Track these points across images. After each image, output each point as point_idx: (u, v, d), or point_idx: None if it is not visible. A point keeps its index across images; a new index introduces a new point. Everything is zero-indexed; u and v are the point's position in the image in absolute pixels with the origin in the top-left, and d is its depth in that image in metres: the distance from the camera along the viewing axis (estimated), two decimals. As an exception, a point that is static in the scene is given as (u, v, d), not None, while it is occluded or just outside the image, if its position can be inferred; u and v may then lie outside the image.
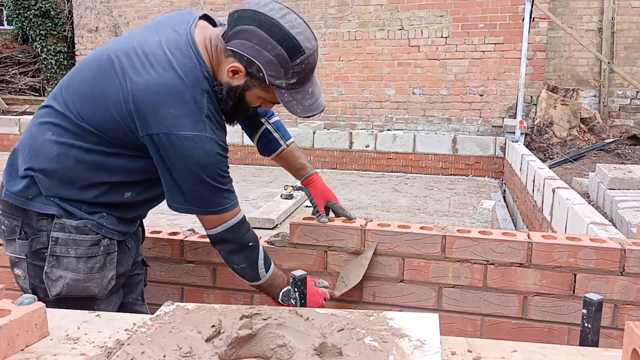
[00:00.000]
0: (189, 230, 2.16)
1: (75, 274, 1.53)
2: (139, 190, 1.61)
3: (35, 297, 1.09)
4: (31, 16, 13.23)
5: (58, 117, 1.53)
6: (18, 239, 1.55)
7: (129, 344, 1.04)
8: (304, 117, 1.54)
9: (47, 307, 1.54)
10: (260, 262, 1.66)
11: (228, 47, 1.46)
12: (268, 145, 1.91)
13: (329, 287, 1.85)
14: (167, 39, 1.48)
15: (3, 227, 1.59)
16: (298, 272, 1.51)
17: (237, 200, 1.60)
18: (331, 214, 2.00)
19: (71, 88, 1.55)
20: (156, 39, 1.49)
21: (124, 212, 1.62)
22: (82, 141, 1.50)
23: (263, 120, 1.90)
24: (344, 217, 1.96)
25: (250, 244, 1.63)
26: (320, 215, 1.92)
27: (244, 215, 1.63)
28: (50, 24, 13.38)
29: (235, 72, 1.47)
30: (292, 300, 1.63)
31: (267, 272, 1.68)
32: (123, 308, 1.70)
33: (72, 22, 12.13)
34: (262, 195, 6.57)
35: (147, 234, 1.99)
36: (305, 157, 2.00)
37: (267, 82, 1.46)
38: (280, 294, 1.70)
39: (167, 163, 1.47)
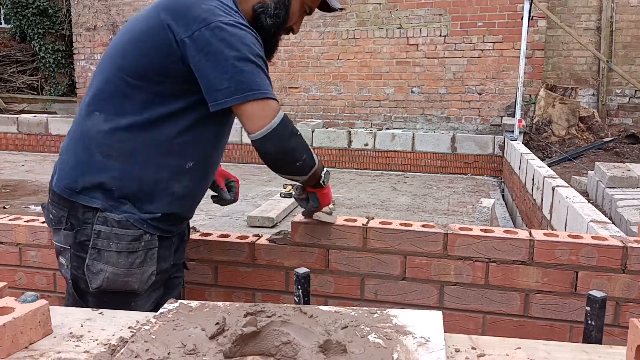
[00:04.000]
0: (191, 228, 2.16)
1: (115, 268, 1.54)
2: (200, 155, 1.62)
3: (38, 294, 1.08)
4: (29, 14, 13.20)
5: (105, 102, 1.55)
6: (63, 229, 1.56)
7: (133, 341, 1.04)
8: (334, 10, 1.73)
9: (87, 299, 1.59)
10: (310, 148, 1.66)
11: None
12: None
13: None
14: None
15: (51, 216, 1.60)
16: (301, 270, 1.51)
17: None
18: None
19: (114, 55, 1.57)
20: None
21: (182, 201, 1.62)
22: (139, 114, 1.52)
23: None
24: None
25: (298, 132, 1.60)
26: (223, 191, 1.96)
27: None
28: (48, 23, 13.36)
29: None
30: (327, 180, 1.73)
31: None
32: (158, 308, 1.70)
33: (70, 21, 12.10)
34: (261, 194, 6.57)
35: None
36: None
37: None
38: (323, 174, 1.72)
39: (211, 57, 1.44)
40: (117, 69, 1.53)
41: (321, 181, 1.72)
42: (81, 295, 1.60)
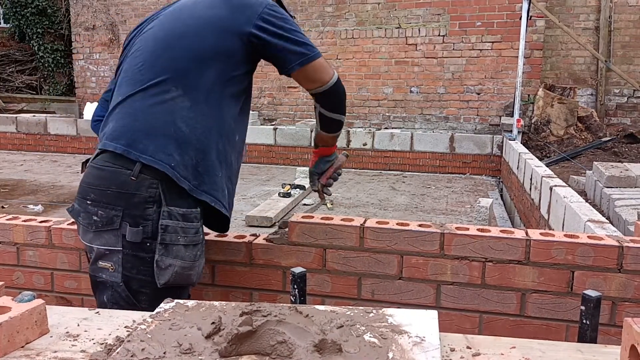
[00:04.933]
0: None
1: (183, 262, 1.57)
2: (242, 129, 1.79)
3: (35, 294, 1.09)
4: (28, 14, 13.19)
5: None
6: (110, 228, 1.54)
7: (129, 340, 1.04)
8: None
9: (143, 297, 1.58)
10: None
11: None
12: None
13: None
14: None
15: (95, 217, 1.55)
16: (297, 270, 1.51)
17: None
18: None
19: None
20: None
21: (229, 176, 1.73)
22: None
23: None
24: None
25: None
26: None
27: None
28: (47, 22, 13.35)
29: None
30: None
31: None
32: None
33: (69, 20, 12.10)
34: (259, 194, 6.57)
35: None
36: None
37: None
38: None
39: (281, 32, 1.67)
40: (192, 49, 1.63)
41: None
42: (135, 296, 1.59)
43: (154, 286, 1.56)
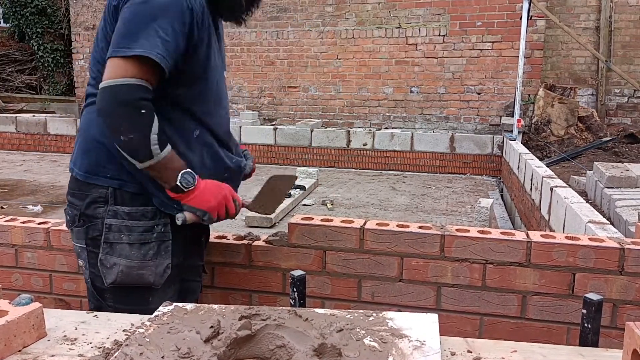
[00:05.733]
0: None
1: (128, 261, 1.54)
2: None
3: (32, 297, 1.08)
4: (27, 14, 13.18)
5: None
6: (75, 226, 1.60)
7: (127, 344, 1.03)
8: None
9: (107, 296, 1.58)
10: (154, 136, 1.44)
11: None
12: None
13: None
14: None
15: (67, 217, 1.64)
16: (297, 272, 1.50)
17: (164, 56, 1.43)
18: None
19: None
20: None
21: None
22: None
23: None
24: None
25: (143, 111, 1.42)
26: None
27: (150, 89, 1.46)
28: (46, 22, 13.33)
29: None
30: (189, 184, 1.49)
31: (162, 150, 1.46)
32: None
33: (69, 20, 12.07)
34: (259, 194, 6.56)
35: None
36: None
37: None
38: (179, 175, 1.48)
39: (124, 15, 1.45)
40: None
41: (177, 182, 1.49)
42: (100, 294, 1.61)
43: (112, 285, 1.57)
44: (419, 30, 9.13)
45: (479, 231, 1.83)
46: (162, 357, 0.99)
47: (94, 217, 1.56)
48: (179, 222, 1.52)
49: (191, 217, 1.54)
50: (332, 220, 1.95)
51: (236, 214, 1.65)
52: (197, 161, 1.61)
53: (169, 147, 1.48)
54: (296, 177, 1.71)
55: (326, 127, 9.29)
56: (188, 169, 1.51)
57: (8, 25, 13.93)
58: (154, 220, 1.57)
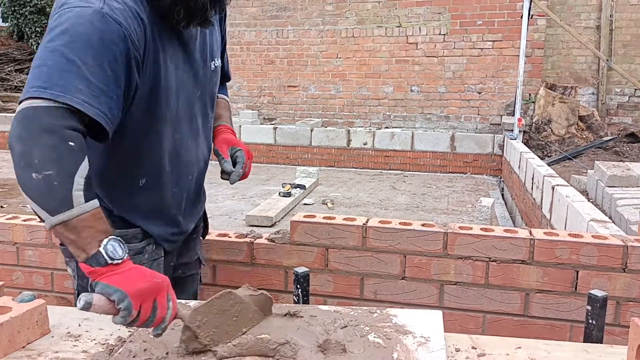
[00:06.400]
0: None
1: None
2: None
3: (36, 293, 1.07)
4: (27, 13, 13.18)
5: None
6: (62, 244, 1.47)
7: (131, 341, 1.03)
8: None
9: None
10: (79, 179, 1.08)
11: None
12: None
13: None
14: None
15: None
16: (301, 269, 1.50)
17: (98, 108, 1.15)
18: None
19: None
20: None
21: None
22: None
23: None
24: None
25: (72, 143, 1.10)
26: (224, 160, 1.66)
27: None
28: (46, 21, 13.30)
29: None
30: (115, 255, 1.05)
31: (86, 200, 1.08)
32: None
33: (69, 19, 12.07)
34: (259, 193, 6.56)
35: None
36: (229, 114, 1.81)
37: None
38: (107, 241, 1.06)
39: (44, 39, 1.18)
40: None
41: (102, 248, 1.06)
42: None
43: None
44: (420, 29, 9.13)
45: (481, 229, 1.83)
46: (167, 354, 0.98)
47: None
48: (77, 307, 1.00)
49: (100, 303, 0.99)
50: (334, 218, 1.95)
51: (164, 320, 1.03)
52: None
53: (96, 201, 1.11)
54: (272, 301, 1.20)
55: (326, 127, 9.28)
56: (119, 237, 1.10)
57: (7, 24, 13.93)
58: (145, 240, 1.49)
